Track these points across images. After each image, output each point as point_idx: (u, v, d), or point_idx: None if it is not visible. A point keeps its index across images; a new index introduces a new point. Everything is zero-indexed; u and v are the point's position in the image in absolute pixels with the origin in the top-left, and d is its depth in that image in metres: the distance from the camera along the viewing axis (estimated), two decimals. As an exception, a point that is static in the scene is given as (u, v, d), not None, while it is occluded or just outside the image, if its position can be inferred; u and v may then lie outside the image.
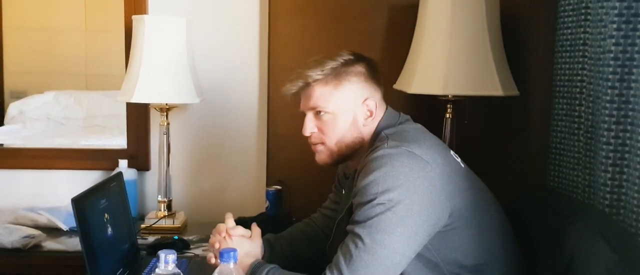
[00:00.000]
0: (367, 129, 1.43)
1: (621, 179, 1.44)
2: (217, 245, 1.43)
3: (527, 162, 1.95)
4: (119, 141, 2.22)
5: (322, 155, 1.45)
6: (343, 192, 1.57)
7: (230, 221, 1.48)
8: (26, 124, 2.70)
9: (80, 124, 2.72)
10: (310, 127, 1.43)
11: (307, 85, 1.41)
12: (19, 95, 2.74)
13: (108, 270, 1.41)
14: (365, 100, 1.42)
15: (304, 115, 1.45)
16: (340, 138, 1.42)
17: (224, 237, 1.44)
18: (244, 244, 1.43)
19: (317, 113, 1.42)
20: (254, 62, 2.14)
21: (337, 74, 1.40)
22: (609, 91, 1.45)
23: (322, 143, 1.43)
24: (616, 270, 1.15)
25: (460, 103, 1.89)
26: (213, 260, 1.41)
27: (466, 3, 1.78)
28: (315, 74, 1.40)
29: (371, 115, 1.43)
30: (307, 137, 1.45)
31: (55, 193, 2.14)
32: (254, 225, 1.51)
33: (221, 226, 1.47)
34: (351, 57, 1.43)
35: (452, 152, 1.43)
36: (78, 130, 2.69)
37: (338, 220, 1.50)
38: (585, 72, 1.61)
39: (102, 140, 2.47)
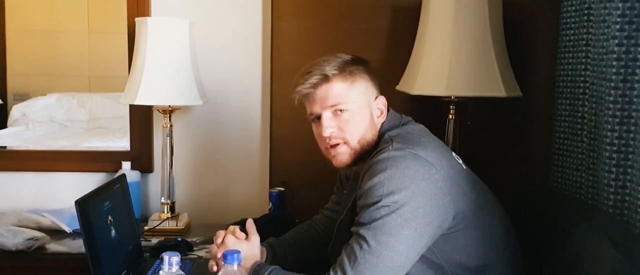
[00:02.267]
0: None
1: (625, 179, 1.44)
2: (216, 253, 1.40)
3: (530, 163, 1.95)
4: (122, 143, 2.22)
5: (343, 156, 1.39)
6: (344, 193, 1.57)
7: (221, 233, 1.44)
8: (29, 126, 2.71)
9: (83, 126, 2.72)
10: (330, 126, 1.37)
11: (325, 79, 1.36)
12: (22, 98, 2.75)
13: (112, 272, 1.41)
14: (376, 97, 1.42)
15: (307, 119, 1.42)
16: (363, 135, 1.38)
17: (220, 243, 1.40)
18: (241, 247, 1.38)
19: (335, 112, 1.37)
20: (257, 63, 2.14)
21: (351, 71, 1.38)
22: (612, 92, 1.45)
23: (345, 142, 1.38)
24: (622, 270, 1.15)
25: (463, 104, 1.88)
26: (214, 268, 1.40)
27: (469, 4, 1.77)
28: (333, 69, 1.37)
29: (381, 114, 1.42)
30: (308, 138, 1.44)
31: (58, 195, 2.15)
32: (249, 223, 1.46)
33: (220, 233, 1.44)
34: (352, 58, 1.42)
35: (453, 154, 1.42)
36: (81, 132, 2.69)
37: (339, 221, 1.49)
38: (588, 73, 1.60)
39: (105, 142, 2.47)
